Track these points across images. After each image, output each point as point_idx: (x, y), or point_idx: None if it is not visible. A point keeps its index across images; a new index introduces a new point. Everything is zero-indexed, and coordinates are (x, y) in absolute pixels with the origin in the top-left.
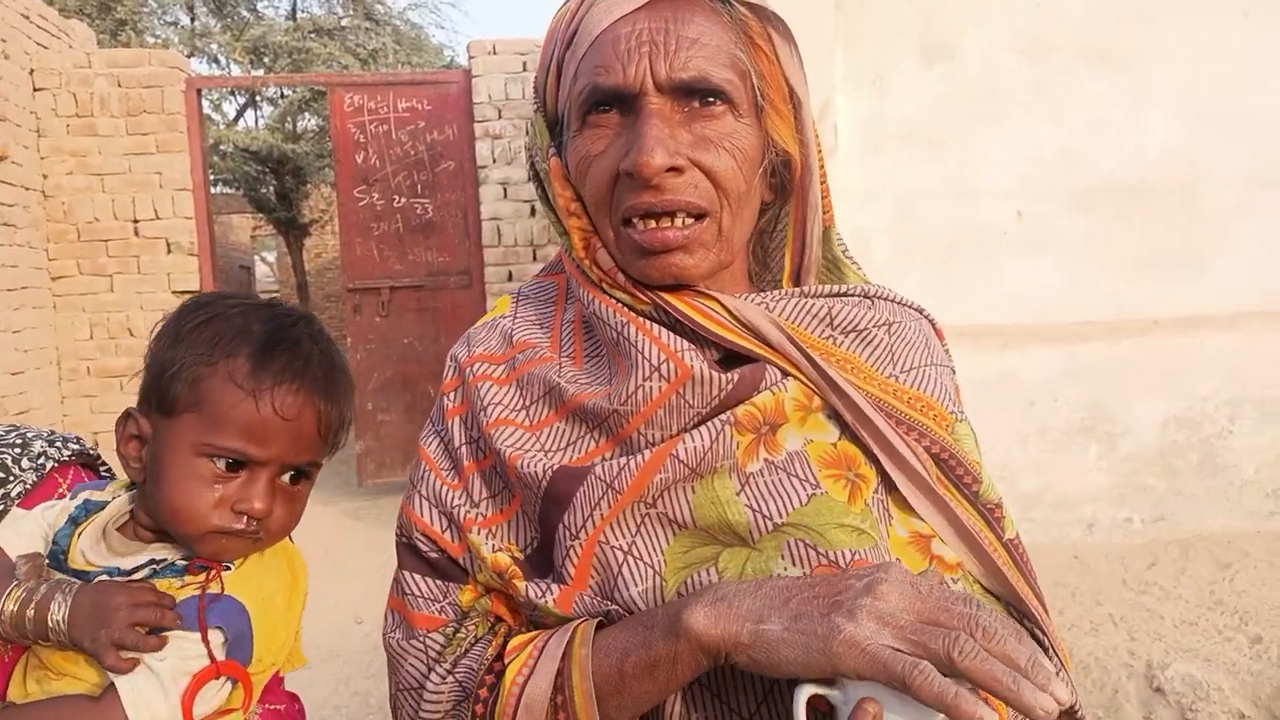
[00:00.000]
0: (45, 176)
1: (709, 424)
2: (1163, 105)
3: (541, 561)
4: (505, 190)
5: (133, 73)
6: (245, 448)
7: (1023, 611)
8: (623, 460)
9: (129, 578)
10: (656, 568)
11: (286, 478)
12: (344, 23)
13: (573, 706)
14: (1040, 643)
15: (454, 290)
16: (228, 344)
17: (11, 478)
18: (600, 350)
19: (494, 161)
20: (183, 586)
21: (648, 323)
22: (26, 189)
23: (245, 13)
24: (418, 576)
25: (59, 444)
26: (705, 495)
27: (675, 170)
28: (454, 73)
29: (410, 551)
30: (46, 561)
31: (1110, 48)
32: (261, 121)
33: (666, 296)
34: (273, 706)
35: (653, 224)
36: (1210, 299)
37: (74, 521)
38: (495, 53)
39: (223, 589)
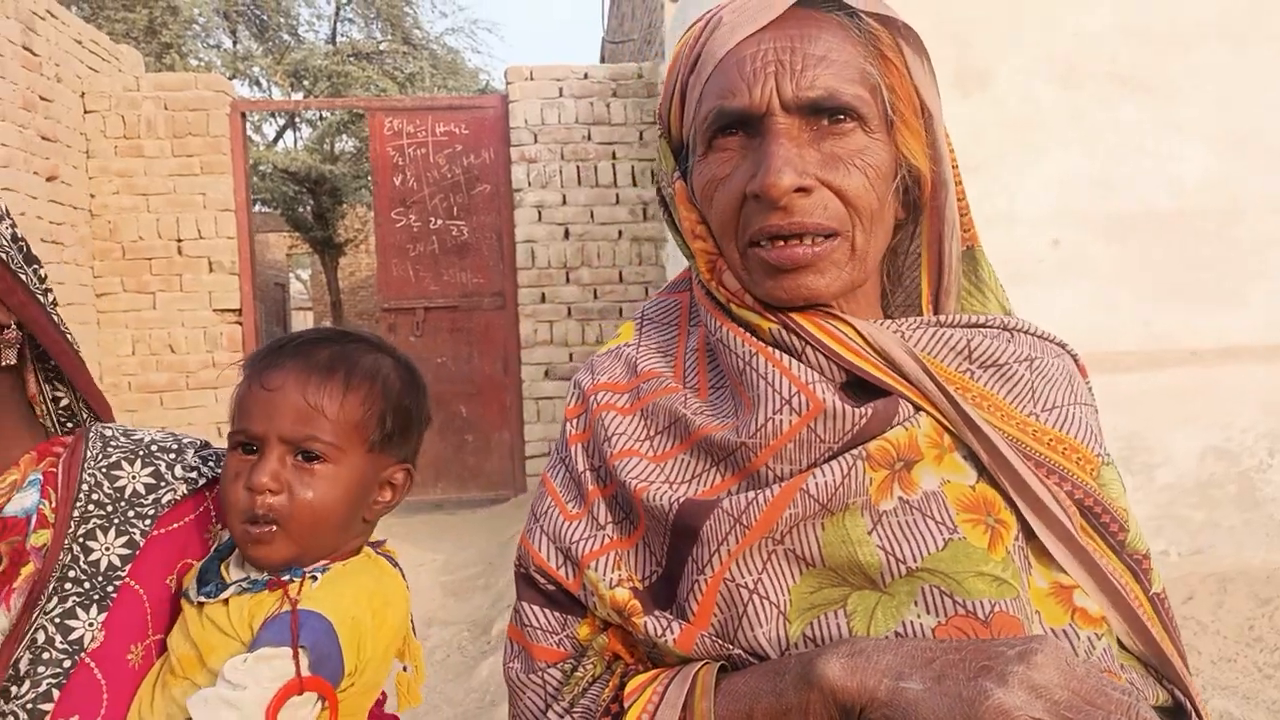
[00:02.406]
0: (93, 196)
1: (841, 459)
2: (1199, 134)
3: (662, 594)
4: (540, 213)
5: (179, 96)
6: (244, 425)
7: (1166, 673)
8: (750, 494)
9: (219, 598)
10: (782, 608)
11: (298, 456)
12: (382, 47)
13: None
14: (1181, 705)
15: (487, 311)
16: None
17: (163, 484)
18: (724, 381)
19: (529, 185)
20: (275, 606)
21: (776, 352)
22: (75, 208)
23: (286, 36)
24: (536, 608)
25: (211, 461)
26: (835, 533)
27: (803, 191)
28: (491, 97)
29: (528, 583)
30: None
31: (1146, 76)
32: (300, 143)
33: (796, 317)
34: None
35: (781, 243)
36: (1248, 329)
37: (220, 554)
38: (532, 79)
39: (296, 603)
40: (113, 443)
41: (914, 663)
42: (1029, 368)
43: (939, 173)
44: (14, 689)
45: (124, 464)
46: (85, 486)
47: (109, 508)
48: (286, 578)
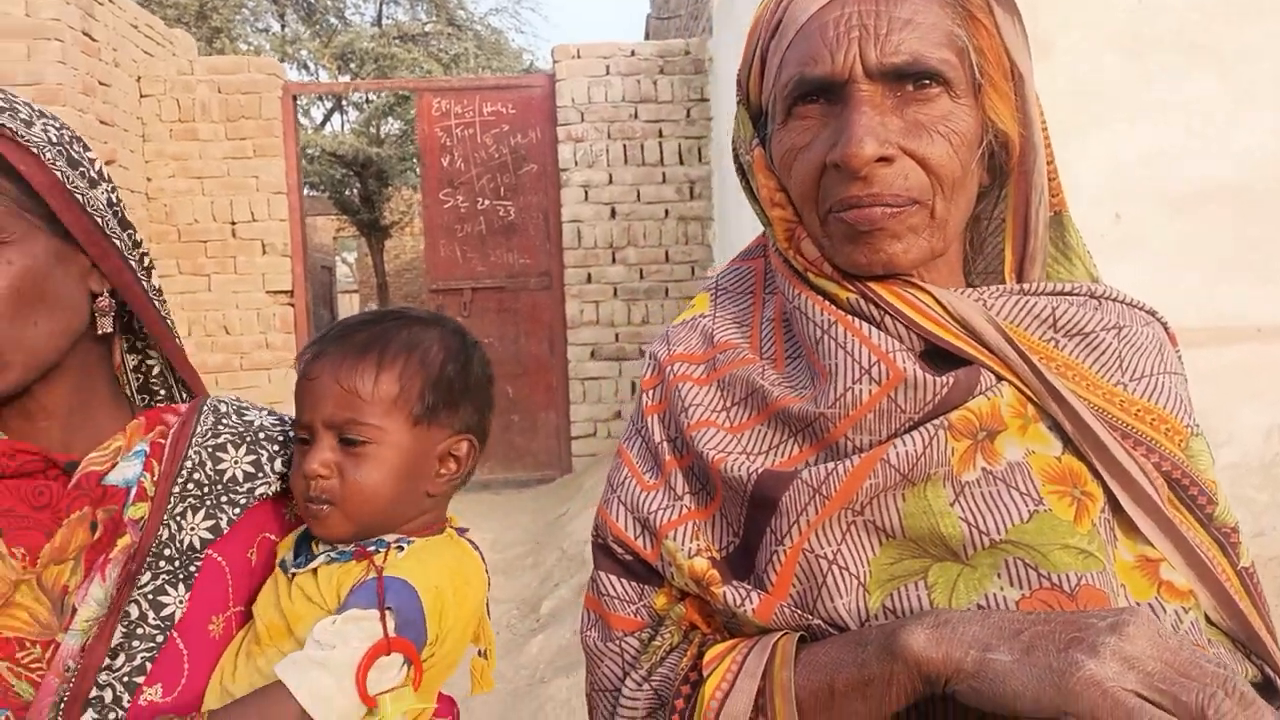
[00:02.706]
0: (149, 180)
1: (922, 429)
2: (1267, 105)
3: (740, 564)
4: (586, 193)
5: (232, 79)
6: (297, 416)
7: (1254, 649)
8: (830, 465)
9: (308, 567)
10: (861, 578)
11: (343, 441)
12: (427, 28)
13: None
14: (1270, 681)
15: (534, 291)
16: None
17: (260, 476)
18: (801, 351)
19: (576, 164)
20: (362, 573)
21: (856, 321)
22: (131, 191)
23: (333, 20)
24: (613, 578)
25: None
26: (916, 504)
27: (885, 160)
28: (538, 77)
29: (605, 553)
30: None
31: (1213, 46)
32: (347, 126)
33: (874, 286)
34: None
35: (857, 209)
36: None
37: (309, 537)
38: (579, 57)
39: (382, 570)
40: (224, 420)
41: (1002, 634)
42: (1117, 336)
43: (1028, 137)
44: (110, 661)
45: (230, 447)
46: (189, 465)
47: (205, 489)
48: (372, 548)
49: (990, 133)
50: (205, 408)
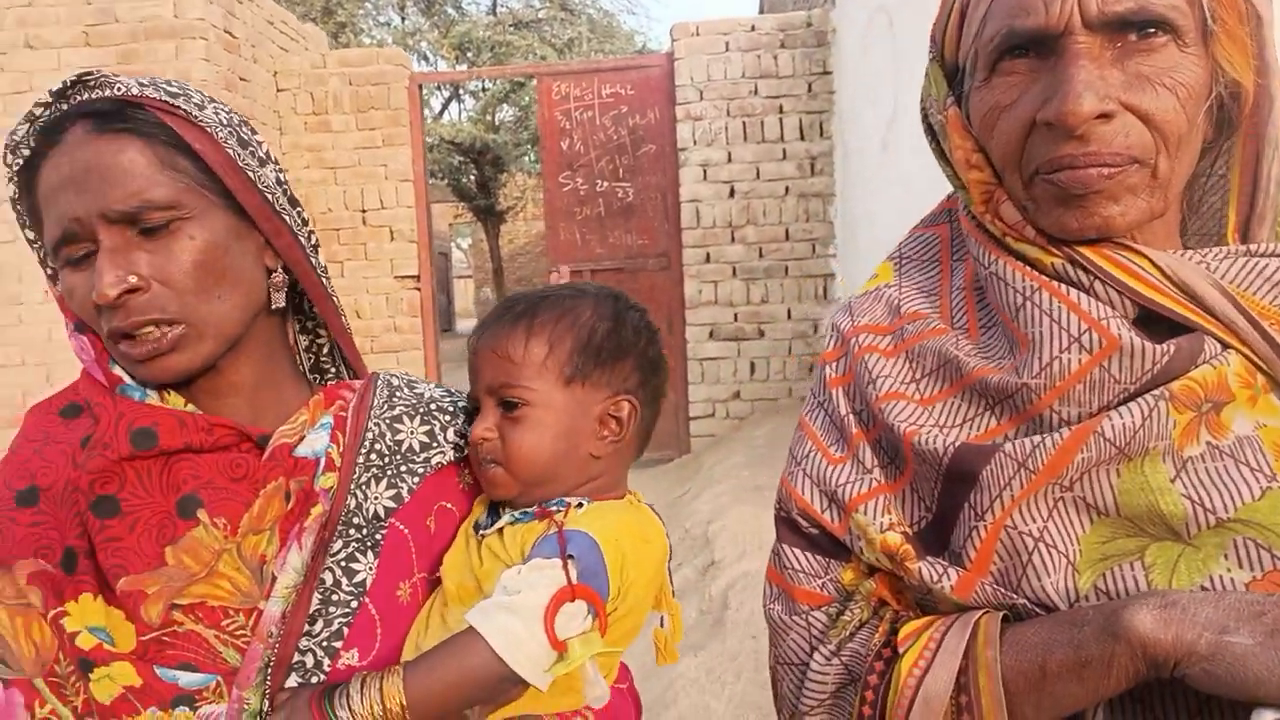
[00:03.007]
0: (286, 171)
1: (1140, 400)
2: None
3: (932, 539)
4: (705, 172)
5: (362, 71)
6: (468, 389)
7: None
8: (1036, 438)
9: (494, 528)
10: (1070, 557)
11: (502, 407)
12: (541, 14)
13: (979, 710)
14: None
15: (652, 272)
16: None
17: (435, 445)
18: (995, 320)
19: (694, 143)
20: (544, 529)
21: (1062, 286)
22: None
23: (450, 10)
24: (797, 551)
25: None
26: (1133, 480)
27: (1104, 116)
28: (657, 56)
29: (789, 526)
30: None
31: None
32: (464, 114)
33: (1083, 250)
34: (618, 686)
35: (1071, 169)
36: None
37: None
38: (698, 34)
39: (562, 524)
40: (398, 394)
41: (1240, 616)
42: None
43: (1265, 86)
44: (309, 627)
45: (405, 419)
46: (370, 436)
47: (386, 459)
48: (553, 507)
49: (1220, 83)
50: (379, 382)
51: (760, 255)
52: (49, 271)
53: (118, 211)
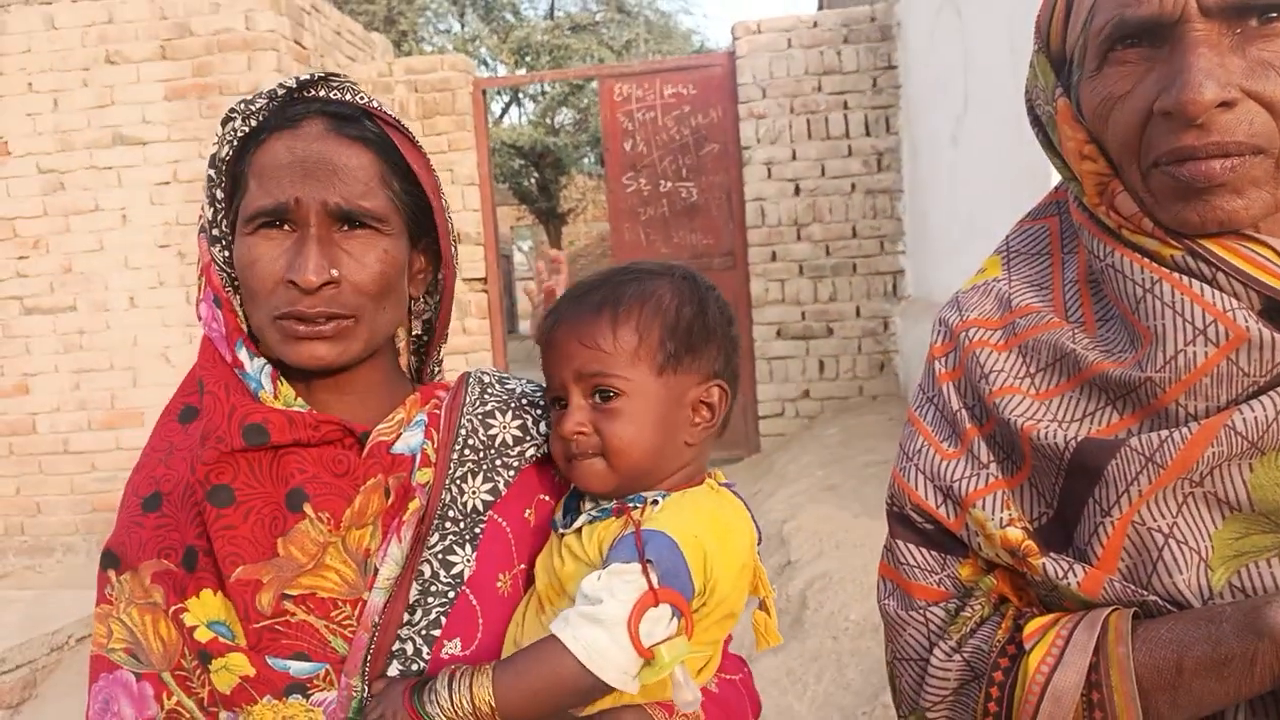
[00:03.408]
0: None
1: (1273, 393)
2: None
3: (1054, 535)
4: (769, 170)
5: (427, 78)
6: (547, 383)
7: None
8: (1163, 433)
9: (573, 527)
10: (1202, 554)
11: (595, 397)
12: (598, 17)
13: (1112, 707)
14: None
15: (717, 271)
16: None
17: (528, 438)
18: (1112, 313)
19: (758, 142)
20: (620, 528)
21: (1183, 278)
22: None
23: (509, 16)
24: (911, 546)
25: None
26: (1267, 475)
27: (1226, 105)
28: (718, 55)
29: (902, 521)
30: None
31: None
32: (524, 118)
33: (1204, 242)
34: (728, 676)
35: (1192, 162)
36: None
37: (579, 493)
38: (760, 32)
39: (639, 524)
40: (489, 390)
41: None
42: None
43: None
44: (408, 617)
45: (497, 414)
46: (463, 432)
47: (481, 454)
48: (631, 504)
49: None
50: (471, 380)
51: (827, 253)
52: (213, 233)
53: (338, 207)
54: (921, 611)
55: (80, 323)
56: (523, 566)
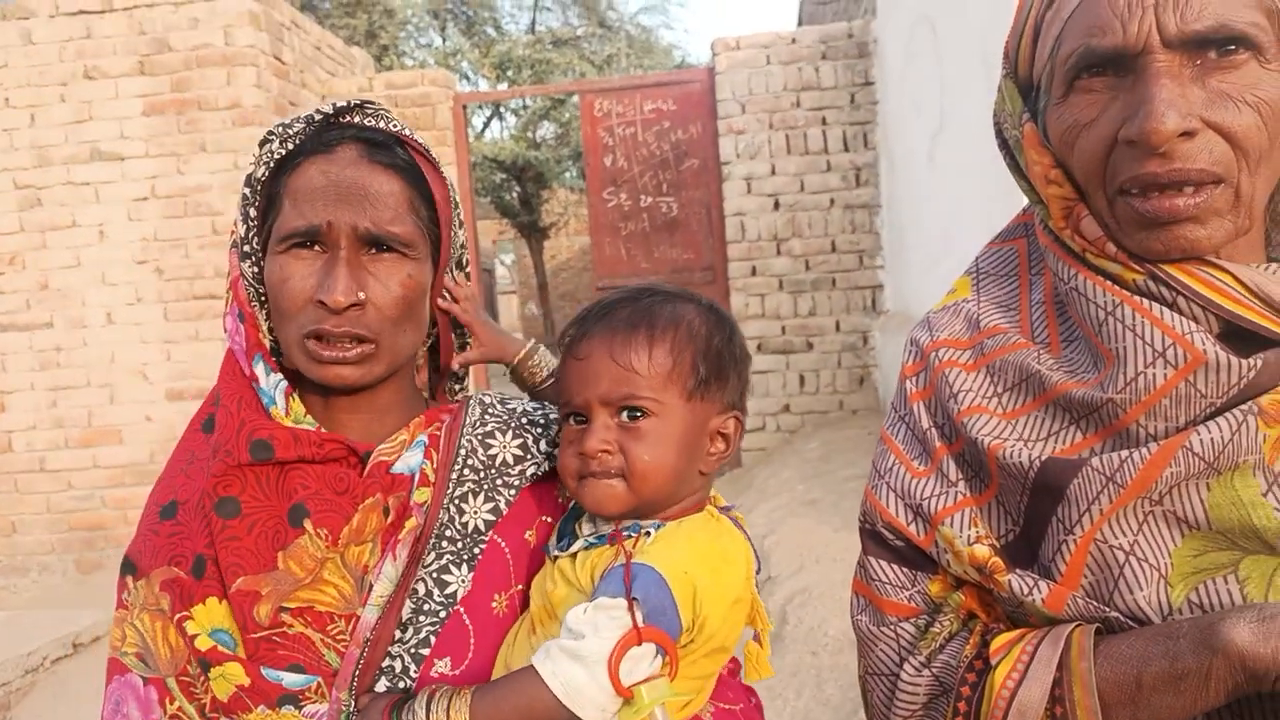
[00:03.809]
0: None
1: (1229, 414)
2: None
3: (1020, 552)
4: (749, 185)
5: (407, 93)
6: (568, 397)
7: None
8: (1123, 453)
9: (568, 551)
10: (1162, 571)
11: (622, 416)
12: (579, 32)
13: None
14: None
15: (698, 286)
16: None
17: (529, 457)
18: (1077, 334)
19: (737, 157)
20: (612, 558)
21: (1144, 301)
22: None
23: (490, 30)
24: (883, 563)
25: None
26: (1223, 494)
27: (1187, 134)
28: (698, 71)
29: (874, 538)
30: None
31: None
32: (505, 132)
33: (1166, 267)
34: (727, 706)
35: (1156, 193)
36: None
37: (577, 513)
38: (739, 48)
39: (630, 556)
40: (490, 410)
41: None
42: None
43: None
44: (399, 634)
45: (497, 434)
46: (463, 452)
47: (481, 473)
48: (626, 533)
49: None
50: (472, 401)
51: (807, 267)
52: (244, 249)
53: (367, 231)
54: (893, 627)
55: (57, 339)
56: (520, 587)
